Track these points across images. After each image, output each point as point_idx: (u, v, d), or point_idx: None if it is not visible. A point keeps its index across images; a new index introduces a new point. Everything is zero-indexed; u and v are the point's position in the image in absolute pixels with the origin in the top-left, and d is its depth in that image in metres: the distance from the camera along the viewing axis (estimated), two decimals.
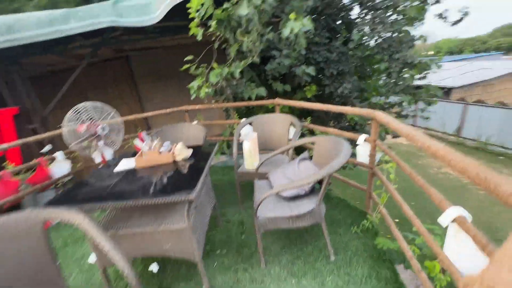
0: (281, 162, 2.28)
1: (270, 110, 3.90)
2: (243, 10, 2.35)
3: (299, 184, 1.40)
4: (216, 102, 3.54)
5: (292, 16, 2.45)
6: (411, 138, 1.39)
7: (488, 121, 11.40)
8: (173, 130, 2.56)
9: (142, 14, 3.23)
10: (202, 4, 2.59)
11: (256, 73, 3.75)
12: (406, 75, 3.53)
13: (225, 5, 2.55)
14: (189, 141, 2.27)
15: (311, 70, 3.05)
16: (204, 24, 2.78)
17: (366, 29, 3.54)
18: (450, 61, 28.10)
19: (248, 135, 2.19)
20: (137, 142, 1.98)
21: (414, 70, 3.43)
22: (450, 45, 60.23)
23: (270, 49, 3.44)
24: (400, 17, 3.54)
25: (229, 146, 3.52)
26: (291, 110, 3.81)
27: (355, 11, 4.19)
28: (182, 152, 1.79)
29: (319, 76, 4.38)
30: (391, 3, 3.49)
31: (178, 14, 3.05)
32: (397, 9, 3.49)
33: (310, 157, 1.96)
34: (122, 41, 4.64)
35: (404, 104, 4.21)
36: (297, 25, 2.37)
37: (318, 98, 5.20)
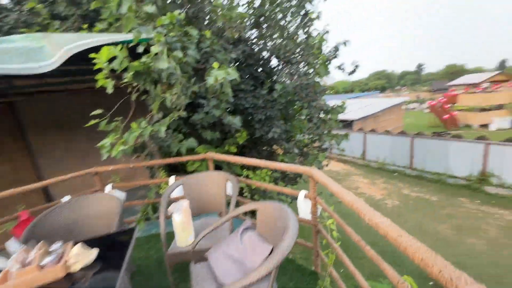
0: (221, 233, 1.97)
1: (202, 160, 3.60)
2: (163, 64, 2.14)
3: (248, 282, 1.14)
4: (137, 157, 3.00)
5: (215, 65, 2.38)
6: (350, 204, 1.39)
7: (382, 145, 14.17)
8: (69, 213, 1.86)
9: (29, 60, 2.58)
10: (115, 57, 2.25)
11: (184, 120, 3.48)
12: (326, 118, 3.98)
13: (144, 59, 2.28)
14: (98, 223, 1.70)
15: (237, 120, 3.00)
16: (117, 76, 2.40)
17: (285, 79, 3.88)
18: (347, 98, 34.77)
19: (178, 206, 1.82)
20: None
21: (333, 115, 3.91)
22: (343, 85, 75.64)
23: (197, 97, 3.28)
24: (311, 70, 4.08)
25: (156, 209, 2.94)
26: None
27: (275, 62, 4.59)
28: (80, 258, 1.23)
29: (249, 119, 4.46)
30: (302, 59, 4.00)
31: (86, 59, 2.58)
32: (308, 64, 4.02)
33: (254, 222, 1.76)
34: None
35: (324, 140, 4.68)
36: (221, 74, 2.30)
37: (249, 141, 5.27)
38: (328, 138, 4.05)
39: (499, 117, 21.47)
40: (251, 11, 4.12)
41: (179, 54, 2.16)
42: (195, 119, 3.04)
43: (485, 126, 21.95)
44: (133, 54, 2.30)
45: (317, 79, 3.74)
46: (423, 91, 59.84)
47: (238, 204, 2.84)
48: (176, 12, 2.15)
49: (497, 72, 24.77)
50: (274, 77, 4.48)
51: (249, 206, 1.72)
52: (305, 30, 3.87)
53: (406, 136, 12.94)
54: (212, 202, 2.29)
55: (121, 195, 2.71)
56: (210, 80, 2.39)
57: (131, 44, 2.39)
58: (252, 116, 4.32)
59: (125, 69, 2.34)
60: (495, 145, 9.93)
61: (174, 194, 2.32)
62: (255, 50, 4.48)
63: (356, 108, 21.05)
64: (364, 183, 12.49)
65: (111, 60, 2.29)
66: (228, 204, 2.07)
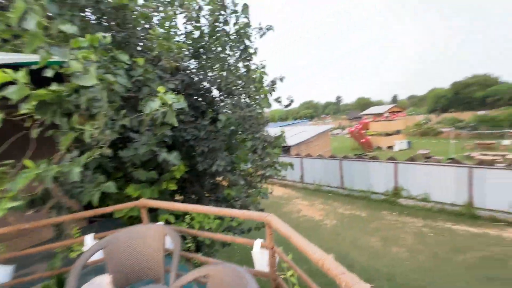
0: None
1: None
2: (88, 81, 1.71)
3: None
4: (37, 211, 2.24)
5: (161, 89, 2.06)
6: (304, 251, 1.30)
7: (317, 168, 15.44)
8: None
9: None
10: (9, 82, 1.70)
11: (110, 157, 2.91)
12: (270, 151, 4.01)
13: (55, 87, 1.80)
14: None
15: (174, 157, 2.68)
16: (10, 105, 1.82)
17: (228, 110, 3.81)
18: (283, 125, 37.55)
19: (95, 286, 1.34)
20: None
21: (276, 149, 3.98)
22: (279, 114, 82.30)
23: (127, 130, 2.83)
24: (253, 102, 4.16)
25: (62, 284, 2.09)
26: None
27: (216, 92, 4.51)
28: None
29: (191, 152, 4.13)
30: (243, 91, 4.06)
31: None
32: (249, 96, 4.09)
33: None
34: None
35: (269, 170, 4.70)
36: (169, 99, 1.99)
37: (192, 174, 4.85)
38: (274, 171, 4.08)
39: (399, 140, 26.64)
40: (189, 41, 4.04)
41: (109, 77, 1.79)
42: (123, 156, 2.56)
43: (390, 147, 26.81)
44: (36, 80, 1.79)
45: (259, 110, 3.81)
46: (343, 119, 70.06)
47: (181, 261, 2.40)
48: (99, 34, 1.82)
49: (393, 104, 31.41)
50: (216, 108, 4.36)
51: (197, 272, 1.40)
52: (245, 64, 3.99)
53: (336, 159, 14.50)
54: (147, 266, 1.82)
55: (3, 272, 1.89)
56: (153, 105, 2.04)
57: (35, 67, 1.90)
58: (193, 148, 4.01)
59: (24, 98, 1.81)
60: (401, 164, 12.05)
61: (94, 258, 1.76)
62: (195, 80, 4.34)
63: (291, 134, 22.80)
64: (304, 206, 13.11)
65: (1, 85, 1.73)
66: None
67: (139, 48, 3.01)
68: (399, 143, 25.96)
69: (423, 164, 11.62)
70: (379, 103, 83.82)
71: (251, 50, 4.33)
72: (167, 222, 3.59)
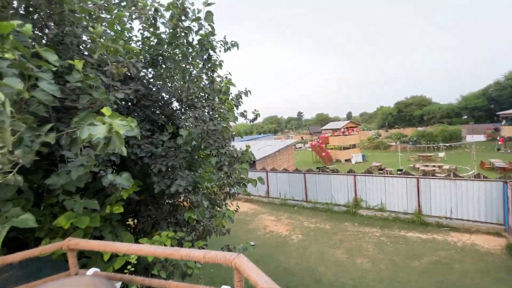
0: None
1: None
2: None
3: None
4: None
5: (106, 111, 1.61)
6: None
7: (282, 182, 15.51)
8: None
9: None
10: None
11: (30, 184, 2.29)
12: (238, 167, 3.71)
13: None
14: None
15: (124, 179, 2.24)
16: None
17: (190, 124, 3.46)
18: (248, 140, 37.67)
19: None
20: None
21: (244, 164, 3.70)
22: (244, 128, 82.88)
23: (60, 147, 2.28)
24: (217, 115, 3.88)
25: None
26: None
27: (176, 105, 4.12)
28: None
29: (146, 168, 3.62)
30: (207, 104, 3.77)
31: None
32: (213, 109, 3.81)
33: None
34: None
35: (236, 188, 4.38)
36: (117, 126, 1.54)
37: (145, 194, 4.27)
38: (242, 188, 3.79)
39: (355, 153, 28.64)
40: (146, 48, 3.64)
41: (16, 84, 1.33)
42: (51, 182, 2.00)
43: (348, 160, 28.61)
44: None
45: (224, 124, 3.54)
46: (305, 133, 73.50)
47: None
48: (16, 22, 1.38)
49: (348, 121, 34.07)
50: (176, 122, 3.96)
51: None
52: (209, 75, 3.73)
53: (300, 173, 14.77)
54: None
55: None
56: (94, 132, 1.57)
57: None
58: (149, 166, 3.52)
59: None
60: (359, 176, 12.75)
61: None
62: (153, 90, 3.91)
63: (256, 148, 22.82)
64: (271, 221, 12.89)
65: None
66: None
67: (80, 51, 2.53)
68: (355, 156, 27.89)
69: (378, 176, 12.47)
70: (336, 119, 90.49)
71: (217, 63, 4.12)
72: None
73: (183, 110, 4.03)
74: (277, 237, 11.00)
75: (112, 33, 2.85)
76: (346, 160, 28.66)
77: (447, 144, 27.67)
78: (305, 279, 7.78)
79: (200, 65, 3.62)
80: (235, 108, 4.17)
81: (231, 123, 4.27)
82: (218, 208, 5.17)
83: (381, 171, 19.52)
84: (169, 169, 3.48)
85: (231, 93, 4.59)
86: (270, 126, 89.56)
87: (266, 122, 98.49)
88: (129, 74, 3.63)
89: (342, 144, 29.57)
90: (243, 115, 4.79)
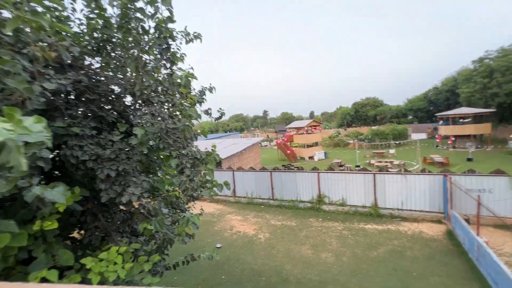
0: None
1: None
2: None
3: None
4: None
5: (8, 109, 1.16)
6: None
7: (248, 181, 15.38)
8: None
9: None
10: None
11: None
12: (203, 168, 3.36)
13: None
14: None
15: (56, 194, 1.79)
16: None
17: (145, 121, 3.02)
18: (213, 138, 36.79)
19: None
20: None
21: (210, 164, 3.37)
22: (209, 125, 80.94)
23: None
24: (178, 112, 3.49)
25: None
26: None
27: (130, 99, 3.59)
28: None
29: (92, 173, 3.07)
30: (166, 99, 3.35)
31: None
32: (173, 105, 3.40)
33: None
34: None
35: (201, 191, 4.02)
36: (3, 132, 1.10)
37: (91, 200, 3.67)
38: (207, 191, 3.46)
39: (318, 151, 29.95)
40: (90, 32, 3.06)
41: None
42: None
43: (311, 157, 29.79)
44: None
45: (186, 122, 3.17)
46: (270, 132, 74.69)
47: None
48: None
49: (311, 119, 35.53)
50: (131, 119, 3.46)
51: None
52: (168, 66, 3.30)
53: (266, 171, 14.80)
54: None
55: None
56: None
57: None
58: (94, 171, 2.99)
59: None
60: (322, 173, 13.24)
61: None
62: (100, 81, 3.34)
63: (223, 147, 22.32)
64: (237, 221, 12.66)
65: None
66: None
67: None
68: (318, 154, 29.18)
69: (339, 172, 13.11)
70: (300, 118, 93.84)
71: (178, 55, 3.70)
72: None
73: (137, 105, 3.54)
74: (244, 237, 10.82)
75: (40, 9, 2.29)
76: (309, 158, 29.81)
77: (396, 142, 30.62)
78: (272, 279, 7.74)
79: (158, 56, 3.18)
80: (198, 105, 3.80)
81: (194, 121, 3.90)
82: (182, 214, 4.75)
83: (342, 168, 20.68)
84: (120, 175, 3.00)
85: (193, 89, 4.20)
86: (236, 124, 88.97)
87: (232, 120, 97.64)
88: (68, 62, 3.03)
89: (306, 142, 30.69)
90: (207, 112, 4.44)
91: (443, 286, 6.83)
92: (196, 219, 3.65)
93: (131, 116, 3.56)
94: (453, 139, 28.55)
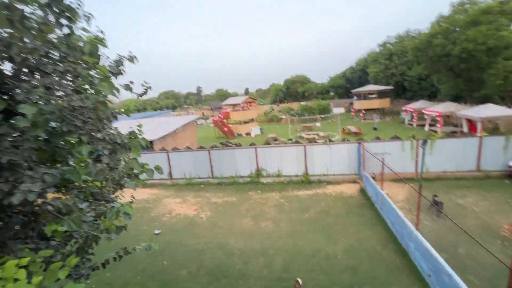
0: None
1: None
2: None
3: None
4: None
5: None
6: None
7: (186, 161, 14.67)
8: None
9: None
10: None
11: None
12: (125, 156, 2.82)
13: None
14: None
15: None
16: None
17: (39, 97, 2.27)
18: (141, 117, 33.08)
19: None
20: None
21: (134, 151, 2.83)
22: (135, 104, 71.97)
23: None
24: (87, 84, 2.76)
25: None
26: None
27: (10, 66, 2.64)
28: None
29: None
30: (66, 68, 2.57)
31: None
32: (78, 76, 2.65)
33: None
34: None
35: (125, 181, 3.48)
36: None
37: None
38: (131, 183, 2.95)
39: (254, 127, 30.79)
40: None
41: None
42: None
43: (248, 134, 30.49)
44: None
45: (100, 99, 2.51)
46: (206, 109, 72.10)
47: None
48: None
49: (247, 96, 35.77)
50: (14, 94, 2.56)
51: None
52: (64, 24, 2.47)
53: (205, 150, 14.36)
54: None
55: None
56: None
57: None
58: None
59: None
60: (259, 148, 13.73)
61: None
62: None
63: (153, 127, 20.34)
64: (176, 204, 12.12)
65: None
66: None
67: None
68: (254, 130, 30.06)
69: (274, 146, 13.84)
70: (235, 94, 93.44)
71: (79, 11, 2.83)
72: None
73: (23, 76, 2.63)
74: (185, 219, 10.50)
75: None
76: (246, 134, 30.43)
77: (322, 116, 34.25)
78: (217, 255, 7.87)
79: (44, 5, 2.31)
80: (113, 77, 3.11)
81: (115, 99, 3.21)
82: (110, 204, 4.09)
83: (277, 142, 21.95)
84: (5, 168, 2.25)
85: (107, 57, 3.42)
86: (167, 101, 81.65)
87: (161, 97, 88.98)
88: None
89: (242, 118, 31.00)
90: (128, 87, 3.74)
91: (357, 232, 8.33)
92: (129, 208, 3.17)
93: (15, 90, 2.64)
94: (364, 112, 33.79)
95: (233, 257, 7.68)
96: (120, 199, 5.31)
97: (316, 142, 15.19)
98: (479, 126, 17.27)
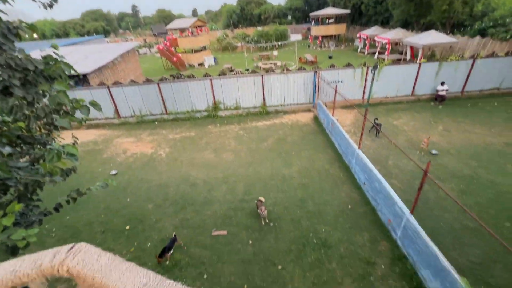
0: None
1: None
2: None
3: None
4: None
5: None
6: None
7: (133, 97, 13.15)
8: None
9: None
10: None
11: None
12: (46, 88, 2.18)
13: None
14: None
15: None
16: None
17: None
18: (64, 45, 26.89)
19: None
20: None
21: (58, 83, 2.16)
22: (52, 27, 57.07)
23: None
24: None
25: None
26: None
27: None
28: None
29: None
30: None
31: None
32: None
33: None
34: None
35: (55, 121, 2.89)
36: None
37: None
38: (64, 121, 2.41)
39: (207, 56, 28.03)
40: None
41: None
42: None
43: (201, 64, 27.91)
44: None
45: None
46: (148, 35, 61.67)
47: None
48: None
49: (195, 18, 30.83)
50: None
51: None
52: None
53: (153, 83, 12.86)
54: None
55: None
56: None
57: None
58: None
59: None
60: (215, 80, 12.84)
61: None
62: None
63: (83, 56, 16.91)
64: (130, 143, 11.43)
65: None
66: None
67: None
68: (208, 59, 27.48)
69: (231, 77, 13.06)
70: (181, 16, 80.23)
71: None
72: None
73: None
74: (143, 157, 10.15)
75: None
76: (199, 65, 27.85)
77: (279, 43, 32.51)
78: (180, 187, 8.11)
79: None
80: None
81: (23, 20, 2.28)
82: (48, 147, 3.52)
83: (233, 72, 20.74)
84: None
85: None
86: (95, 24, 65.97)
87: (87, 18, 71.21)
88: None
89: (193, 46, 27.60)
90: None
91: (310, 156, 9.27)
92: (72, 149, 2.74)
93: None
94: (321, 39, 33.01)
95: (197, 187, 8.03)
96: (60, 141, 4.65)
97: (274, 71, 14.77)
98: (420, 53, 18.65)
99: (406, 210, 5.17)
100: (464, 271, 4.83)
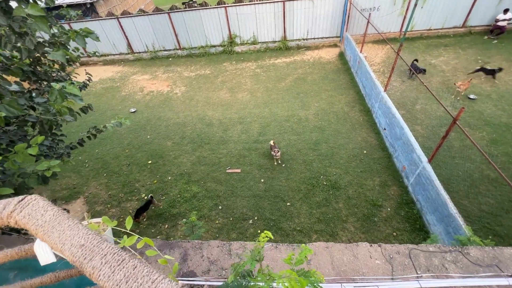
0: None
1: None
2: None
3: None
4: None
5: None
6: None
7: (145, 30, 12.36)
8: None
9: None
10: None
11: None
12: (33, 18, 1.97)
13: None
14: None
15: None
16: None
17: None
18: None
19: None
20: None
21: (33, 7, 1.92)
22: None
23: None
24: None
25: None
26: None
27: None
28: None
29: None
30: None
31: None
32: None
33: None
34: None
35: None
36: None
37: None
38: (58, 53, 2.24)
39: None
40: None
41: None
42: None
43: None
44: None
45: None
46: None
47: None
48: None
49: None
50: None
51: None
52: None
53: (163, 13, 11.80)
54: None
55: None
56: None
57: None
58: None
59: None
60: (230, 7, 11.44)
61: None
62: None
63: None
64: (146, 81, 11.35)
65: None
66: None
67: None
68: None
69: (248, 4, 11.51)
70: None
71: None
72: None
73: None
74: (159, 95, 10.18)
75: None
76: None
77: None
78: (197, 126, 8.28)
79: None
80: None
81: None
82: (53, 84, 3.55)
83: None
84: None
85: None
86: None
87: None
88: None
89: None
90: None
91: (330, 97, 8.73)
92: (73, 89, 2.71)
93: None
94: None
95: (213, 127, 8.16)
96: (75, 77, 4.65)
97: None
98: None
99: (424, 159, 4.96)
100: (471, 219, 4.88)
